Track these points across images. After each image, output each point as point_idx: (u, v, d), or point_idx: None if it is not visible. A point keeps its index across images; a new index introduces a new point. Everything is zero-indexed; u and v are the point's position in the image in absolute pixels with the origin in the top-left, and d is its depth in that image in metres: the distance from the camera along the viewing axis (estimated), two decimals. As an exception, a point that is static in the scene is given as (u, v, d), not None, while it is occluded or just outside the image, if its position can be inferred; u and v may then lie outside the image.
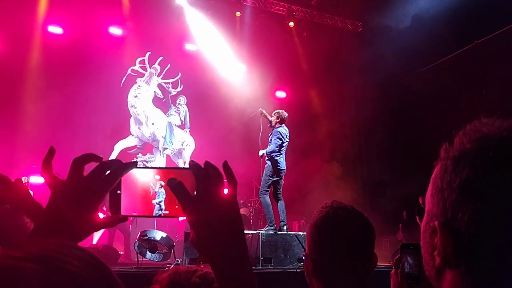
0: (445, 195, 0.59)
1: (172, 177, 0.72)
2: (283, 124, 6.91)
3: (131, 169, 0.77)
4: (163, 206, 0.81)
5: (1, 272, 0.37)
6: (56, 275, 0.38)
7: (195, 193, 0.72)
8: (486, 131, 0.59)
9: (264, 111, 7.26)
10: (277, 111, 7.03)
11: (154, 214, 0.82)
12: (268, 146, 6.82)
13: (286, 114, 6.97)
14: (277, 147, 6.72)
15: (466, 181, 0.57)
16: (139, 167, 0.80)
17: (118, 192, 0.78)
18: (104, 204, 0.88)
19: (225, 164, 0.74)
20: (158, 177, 0.82)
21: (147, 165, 10.66)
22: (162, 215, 0.82)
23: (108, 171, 0.74)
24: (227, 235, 0.71)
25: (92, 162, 0.75)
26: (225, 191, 0.73)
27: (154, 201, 0.83)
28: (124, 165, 0.75)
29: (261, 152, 6.92)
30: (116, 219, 0.78)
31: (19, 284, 0.36)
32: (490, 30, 9.60)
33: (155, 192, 0.82)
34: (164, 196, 0.81)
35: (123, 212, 0.79)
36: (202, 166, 0.73)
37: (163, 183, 0.81)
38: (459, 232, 0.56)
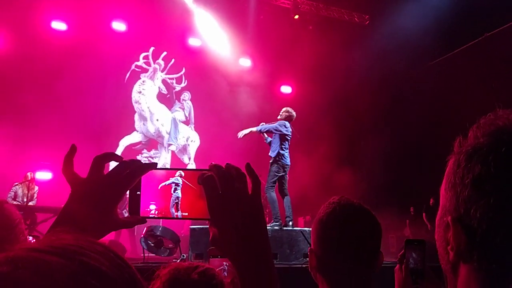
0: (457, 191, 0.59)
1: (201, 173, 0.74)
2: (289, 122, 6.90)
3: (151, 169, 0.78)
4: (179, 194, 0.81)
5: (28, 264, 0.37)
6: (82, 270, 0.39)
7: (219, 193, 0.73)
8: (501, 124, 0.58)
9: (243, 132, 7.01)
10: (288, 109, 6.99)
11: (171, 207, 0.83)
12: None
13: (295, 114, 6.98)
14: (274, 129, 6.71)
15: (479, 176, 0.56)
16: (159, 168, 0.81)
17: (138, 193, 0.79)
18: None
19: (248, 165, 0.76)
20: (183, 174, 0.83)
21: (152, 161, 10.68)
22: (181, 216, 0.83)
23: (128, 171, 0.75)
24: (251, 233, 0.71)
25: (112, 161, 0.78)
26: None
27: (170, 181, 0.82)
28: (144, 165, 0.77)
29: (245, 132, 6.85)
30: (135, 220, 0.79)
31: (47, 278, 0.36)
32: (501, 22, 9.45)
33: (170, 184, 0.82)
34: (181, 184, 0.81)
35: (142, 213, 0.81)
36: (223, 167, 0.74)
37: (183, 174, 0.82)
38: (472, 227, 0.56)
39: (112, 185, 0.74)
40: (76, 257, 0.40)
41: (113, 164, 0.78)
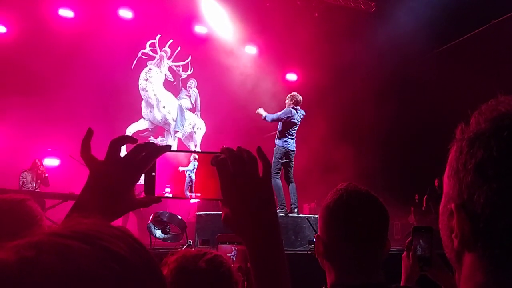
0: (460, 177, 0.57)
1: (214, 155, 0.76)
2: (298, 106, 6.84)
3: (165, 152, 0.81)
4: (193, 177, 0.85)
5: (52, 249, 0.37)
6: (103, 254, 0.39)
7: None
8: (503, 110, 0.57)
9: (259, 111, 6.97)
10: (292, 93, 6.96)
11: (185, 189, 0.86)
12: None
13: (301, 98, 6.90)
14: (278, 119, 6.70)
15: (481, 162, 0.55)
16: (173, 151, 0.84)
17: (153, 174, 0.82)
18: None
19: (259, 149, 0.79)
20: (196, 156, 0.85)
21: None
22: (194, 197, 0.86)
23: (143, 153, 0.78)
24: (261, 213, 0.74)
25: (127, 144, 0.81)
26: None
27: (185, 168, 0.86)
28: (158, 148, 0.80)
29: (260, 111, 6.86)
30: (151, 200, 0.83)
31: (71, 262, 0.37)
32: (507, 9, 9.32)
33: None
34: (196, 166, 0.84)
35: (157, 193, 0.84)
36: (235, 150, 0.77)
37: (196, 156, 0.83)
38: (476, 213, 0.55)
39: (129, 167, 0.77)
40: (96, 241, 0.40)
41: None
